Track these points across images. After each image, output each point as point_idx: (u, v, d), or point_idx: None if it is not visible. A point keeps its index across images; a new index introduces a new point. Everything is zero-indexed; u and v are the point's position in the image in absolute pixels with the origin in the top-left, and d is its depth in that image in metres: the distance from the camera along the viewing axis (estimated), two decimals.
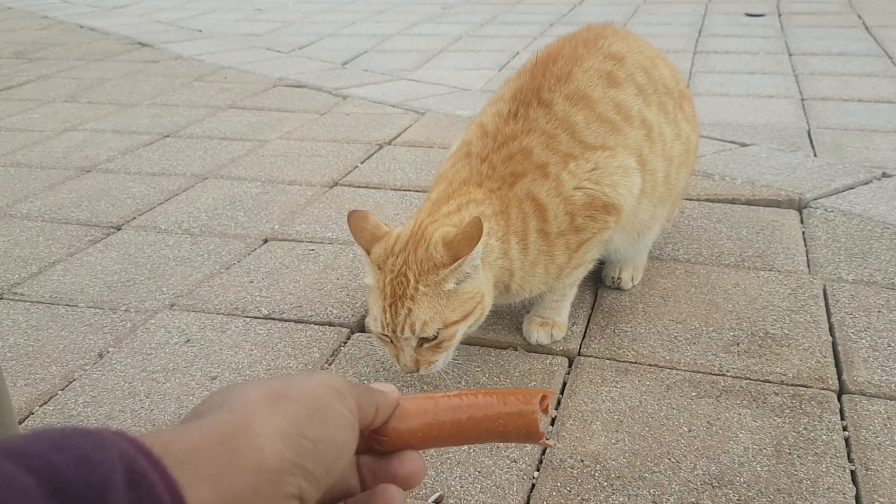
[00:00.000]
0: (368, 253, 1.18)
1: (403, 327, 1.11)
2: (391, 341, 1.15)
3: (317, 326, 1.44)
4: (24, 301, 1.56)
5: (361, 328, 1.43)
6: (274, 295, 1.54)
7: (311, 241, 1.77)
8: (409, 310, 1.11)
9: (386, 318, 1.13)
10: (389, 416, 0.47)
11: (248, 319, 1.46)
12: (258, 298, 1.53)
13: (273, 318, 1.47)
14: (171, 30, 4.52)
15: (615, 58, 1.34)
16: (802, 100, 2.74)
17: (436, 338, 1.13)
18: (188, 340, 1.40)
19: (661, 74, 1.40)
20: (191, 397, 1.24)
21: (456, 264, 1.10)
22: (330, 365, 1.32)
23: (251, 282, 1.60)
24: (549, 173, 1.24)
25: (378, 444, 0.47)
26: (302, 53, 3.82)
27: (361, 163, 2.27)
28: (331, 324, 1.44)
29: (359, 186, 2.10)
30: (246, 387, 0.41)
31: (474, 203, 1.21)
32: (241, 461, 0.36)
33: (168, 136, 2.60)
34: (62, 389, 1.28)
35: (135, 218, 1.94)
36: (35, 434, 0.31)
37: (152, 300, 1.54)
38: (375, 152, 2.35)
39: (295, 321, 1.45)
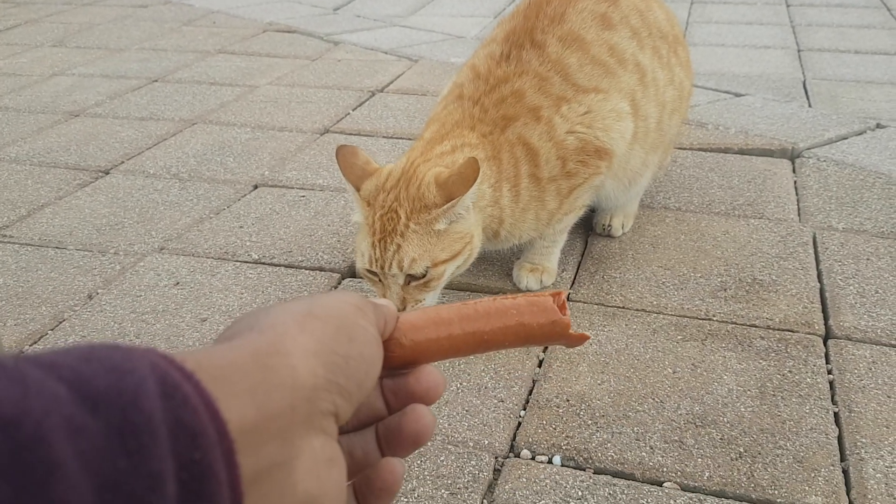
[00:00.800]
0: (358, 189, 1.17)
1: (392, 263, 1.11)
2: (378, 280, 1.15)
3: (307, 271, 1.44)
4: (14, 243, 1.55)
5: (352, 273, 1.43)
6: (264, 240, 1.54)
7: (302, 188, 1.76)
8: (399, 246, 1.10)
9: (375, 254, 1.12)
10: (394, 329, 0.47)
11: (238, 264, 1.46)
12: (248, 243, 1.53)
13: (263, 263, 1.46)
14: None
15: None
16: (799, 51, 2.71)
17: (424, 276, 1.13)
18: (178, 283, 1.40)
19: (656, 17, 1.38)
20: (181, 338, 1.25)
21: (449, 205, 1.10)
22: None
23: (241, 227, 1.59)
24: (541, 117, 1.22)
25: (391, 355, 0.46)
26: None
27: (353, 110, 2.24)
28: (322, 269, 1.44)
29: (350, 133, 2.08)
30: (272, 309, 0.41)
31: (469, 147, 1.20)
32: (276, 378, 0.36)
33: (156, 80, 2.56)
34: (52, 329, 1.28)
35: (123, 162, 1.93)
36: (62, 349, 0.31)
37: (141, 243, 1.54)
38: (367, 99, 2.33)
39: (285, 266, 1.45)
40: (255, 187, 1.78)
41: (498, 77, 1.25)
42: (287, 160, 1.91)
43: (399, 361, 0.47)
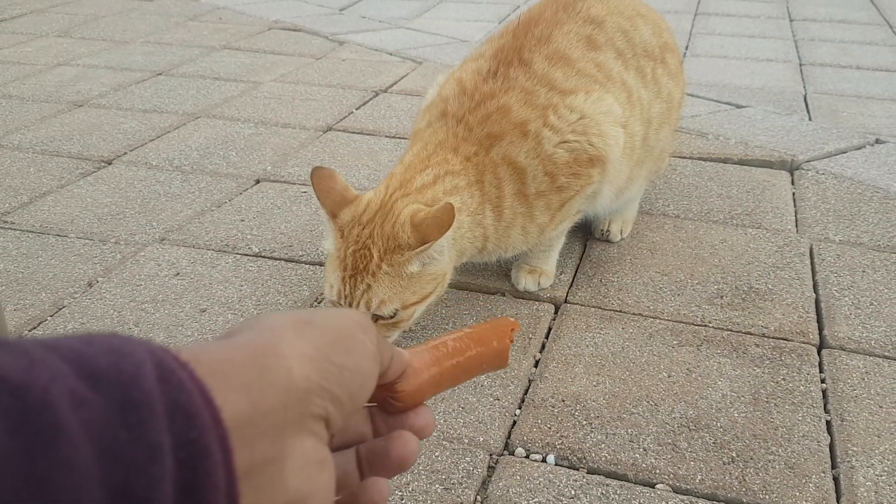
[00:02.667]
0: (334, 217, 1.13)
1: (360, 302, 1.08)
2: None
3: (307, 266, 1.44)
4: (15, 230, 1.56)
5: None
6: (265, 234, 1.55)
7: (304, 184, 1.77)
8: (369, 286, 1.08)
9: (344, 290, 1.09)
10: (401, 375, 0.48)
11: (239, 256, 1.47)
12: (249, 237, 1.54)
13: (263, 256, 1.47)
14: None
15: (594, 21, 1.32)
16: (801, 65, 2.73)
17: (393, 317, 1.11)
18: (178, 273, 1.40)
19: (642, 36, 1.37)
20: (180, 328, 1.25)
21: (422, 248, 1.07)
22: (319, 304, 1.33)
23: (242, 220, 1.60)
24: (528, 132, 1.20)
25: (395, 401, 0.48)
26: None
27: (356, 108, 2.25)
28: (321, 264, 1.45)
29: (353, 132, 2.09)
30: (274, 315, 0.41)
31: (451, 175, 1.18)
32: (271, 377, 0.36)
33: (161, 73, 2.57)
34: (51, 316, 1.29)
35: (126, 153, 1.93)
36: (62, 336, 0.32)
37: (142, 234, 1.55)
38: (371, 99, 2.34)
39: (285, 260, 1.46)
40: (257, 182, 1.78)
41: (484, 93, 1.23)
42: (289, 156, 1.91)
43: (402, 407, 0.49)
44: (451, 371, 0.51)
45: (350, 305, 1.09)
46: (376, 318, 1.11)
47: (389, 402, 0.48)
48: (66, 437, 0.27)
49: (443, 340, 0.52)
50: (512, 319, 0.57)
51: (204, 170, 1.84)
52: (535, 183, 1.22)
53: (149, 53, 2.80)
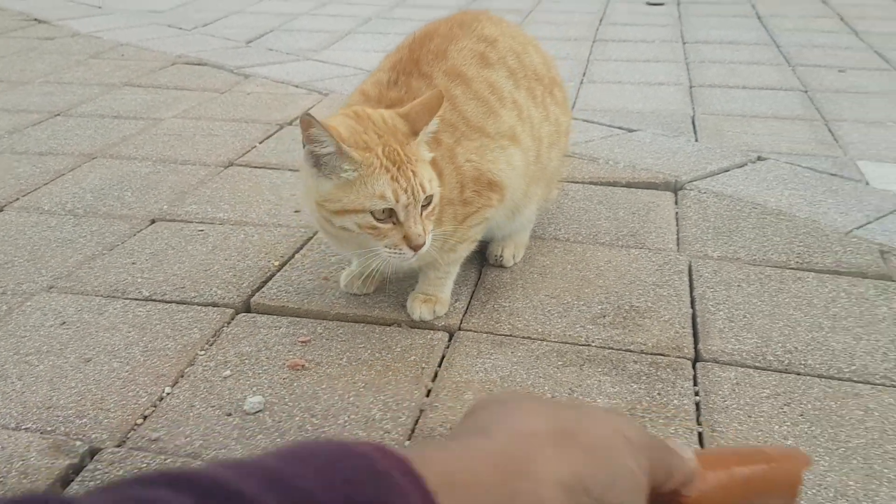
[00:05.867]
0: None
1: (416, 187, 1.15)
2: (392, 222, 1.16)
3: (199, 307, 1.44)
4: None
5: (247, 308, 1.44)
6: (157, 276, 1.53)
7: (201, 222, 1.76)
8: (414, 173, 1.16)
9: (401, 185, 1.14)
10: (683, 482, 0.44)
11: (128, 301, 1.45)
12: (139, 280, 1.52)
13: (154, 300, 1.46)
14: (69, 5, 4.34)
15: (488, 40, 1.38)
16: (691, 87, 2.86)
17: (431, 200, 1.19)
18: (63, 323, 1.38)
19: (532, 61, 1.45)
20: (63, 379, 1.23)
21: (424, 130, 1.19)
22: (211, 346, 1.33)
23: (133, 263, 1.58)
24: (440, 140, 1.28)
25: None
26: (205, 31, 3.74)
27: (260, 143, 2.26)
28: (215, 304, 1.45)
29: (256, 167, 2.09)
30: (530, 411, 0.37)
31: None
32: None
33: (59, 114, 2.52)
34: None
35: (17, 199, 1.89)
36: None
37: (30, 283, 1.51)
38: (275, 132, 2.34)
39: (177, 302, 1.45)
40: (153, 222, 1.77)
41: (391, 99, 1.30)
42: (187, 194, 1.90)
43: None
44: (741, 483, 0.48)
45: (413, 195, 1.15)
46: (428, 202, 1.19)
47: None
48: None
49: (735, 451, 0.51)
50: (806, 455, 0.53)
51: (97, 212, 1.81)
52: (448, 188, 1.28)
53: (47, 94, 2.74)
